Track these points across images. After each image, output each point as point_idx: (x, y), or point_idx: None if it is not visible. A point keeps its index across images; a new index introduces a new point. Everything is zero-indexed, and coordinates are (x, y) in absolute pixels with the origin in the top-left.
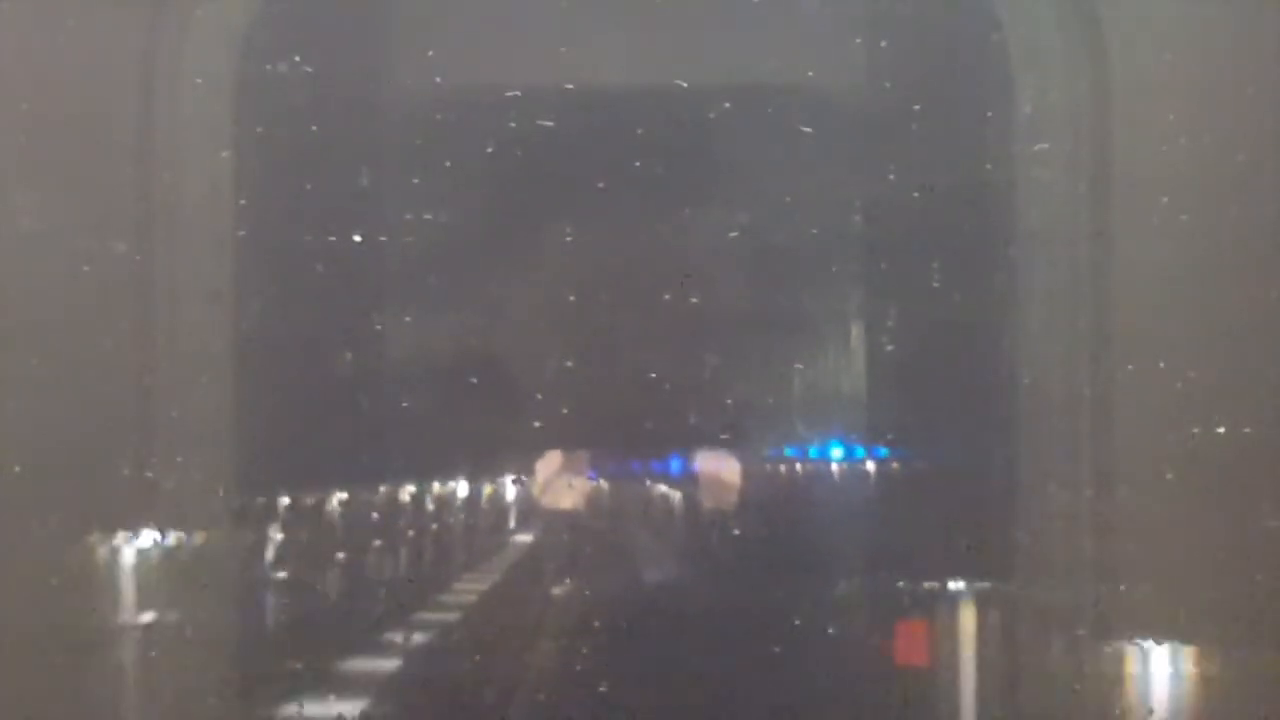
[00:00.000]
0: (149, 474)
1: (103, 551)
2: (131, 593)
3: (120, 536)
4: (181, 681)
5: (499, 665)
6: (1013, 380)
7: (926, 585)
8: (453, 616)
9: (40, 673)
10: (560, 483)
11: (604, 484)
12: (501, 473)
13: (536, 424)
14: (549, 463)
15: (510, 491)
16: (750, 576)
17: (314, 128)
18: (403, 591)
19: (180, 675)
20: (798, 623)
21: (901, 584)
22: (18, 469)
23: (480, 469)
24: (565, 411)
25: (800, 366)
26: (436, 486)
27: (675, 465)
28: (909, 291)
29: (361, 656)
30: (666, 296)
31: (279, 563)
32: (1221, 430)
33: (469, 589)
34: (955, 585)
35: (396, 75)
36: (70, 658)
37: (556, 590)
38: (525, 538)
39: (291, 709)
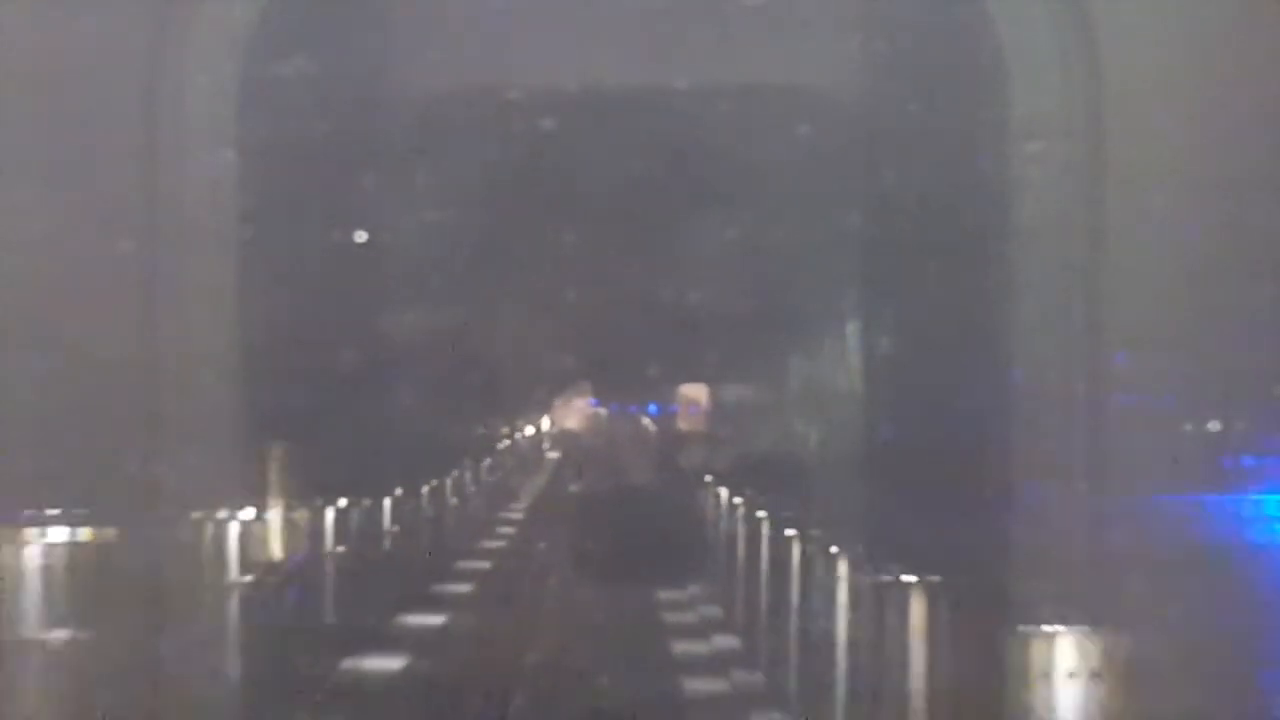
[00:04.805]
0: (154, 468)
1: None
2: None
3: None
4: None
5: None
6: (1006, 375)
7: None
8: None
9: None
10: (574, 414)
11: (603, 412)
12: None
13: (553, 375)
14: (566, 403)
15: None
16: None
17: (317, 128)
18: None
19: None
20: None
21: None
22: (25, 463)
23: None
24: (575, 368)
25: (796, 358)
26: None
27: (653, 408)
28: (904, 288)
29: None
30: (663, 291)
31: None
32: (1213, 427)
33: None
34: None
35: (398, 77)
36: None
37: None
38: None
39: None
